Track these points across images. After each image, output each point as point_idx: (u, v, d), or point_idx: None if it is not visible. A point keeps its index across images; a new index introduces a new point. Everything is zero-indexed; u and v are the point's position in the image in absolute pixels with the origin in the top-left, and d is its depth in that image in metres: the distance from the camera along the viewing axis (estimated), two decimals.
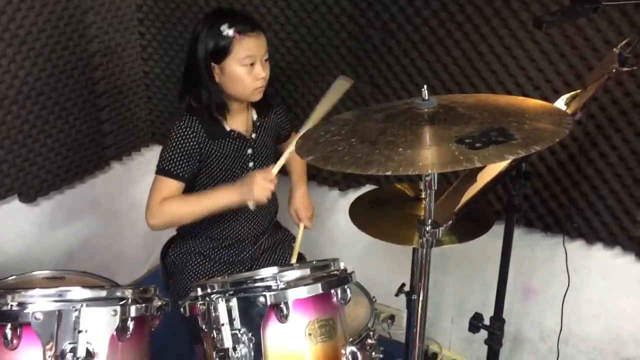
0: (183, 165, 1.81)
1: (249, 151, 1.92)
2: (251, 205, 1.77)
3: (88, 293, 1.32)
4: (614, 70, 1.57)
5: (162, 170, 1.82)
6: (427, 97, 1.36)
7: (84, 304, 1.29)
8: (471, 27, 1.97)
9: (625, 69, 1.57)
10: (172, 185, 1.82)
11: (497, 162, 1.23)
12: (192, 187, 1.89)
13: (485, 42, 1.97)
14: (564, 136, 1.23)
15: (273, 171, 1.79)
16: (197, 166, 1.85)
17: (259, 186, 1.74)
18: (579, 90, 1.68)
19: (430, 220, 1.36)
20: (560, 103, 1.66)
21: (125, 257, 2.78)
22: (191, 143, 1.82)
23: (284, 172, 2.18)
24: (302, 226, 2.00)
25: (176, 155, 1.81)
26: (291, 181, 2.15)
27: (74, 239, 2.52)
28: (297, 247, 1.95)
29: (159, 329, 1.49)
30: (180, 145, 1.81)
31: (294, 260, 1.95)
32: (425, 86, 1.37)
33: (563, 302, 2.07)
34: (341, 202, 2.45)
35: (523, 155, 1.19)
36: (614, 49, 1.57)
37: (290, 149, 1.79)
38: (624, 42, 1.57)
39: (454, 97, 1.54)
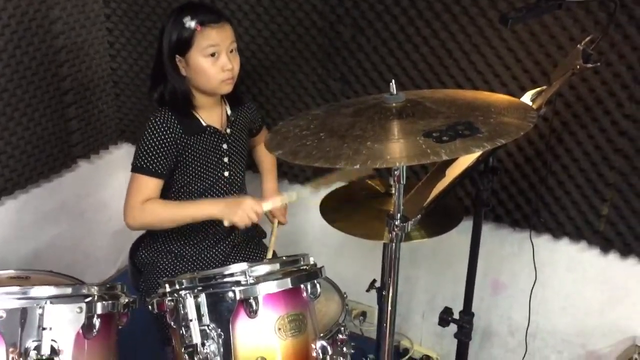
0: (160, 161, 1.79)
1: (224, 146, 1.91)
2: (226, 223, 1.78)
3: (52, 290, 1.30)
4: (578, 67, 1.59)
5: (139, 167, 1.79)
6: (395, 92, 1.37)
7: (48, 301, 1.27)
8: (440, 24, 1.99)
9: (589, 65, 1.59)
10: (150, 183, 1.80)
11: (463, 155, 1.25)
12: (168, 183, 1.86)
13: (453, 39, 1.99)
14: (529, 130, 1.25)
15: (264, 206, 1.81)
16: (173, 161, 1.83)
17: (244, 212, 1.75)
18: (544, 87, 1.71)
19: (399, 215, 1.37)
20: (527, 99, 1.69)
21: (93, 257, 2.73)
22: (167, 138, 1.79)
23: (254, 169, 2.19)
24: (276, 222, 1.98)
25: (152, 151, 1.78)
26: (261, 177, 2.14)
27: (40, 239, 2.47)
28: (272, 244, 1.93)
29: (129, 330, 1.47)
30: (156, 141, 1.78)
31: (269, 256, 1.93)
32: (393, 80, 1.38)
33: (530, 296, 2.11)
34: (313, 199, 2.44)
35: (489, 148, 1.20)
36: (578, 46, 1.60)
37: (287, 198, 1.92)
38: (587, 39, 1.60)
39: (422, 92, 1.55)
